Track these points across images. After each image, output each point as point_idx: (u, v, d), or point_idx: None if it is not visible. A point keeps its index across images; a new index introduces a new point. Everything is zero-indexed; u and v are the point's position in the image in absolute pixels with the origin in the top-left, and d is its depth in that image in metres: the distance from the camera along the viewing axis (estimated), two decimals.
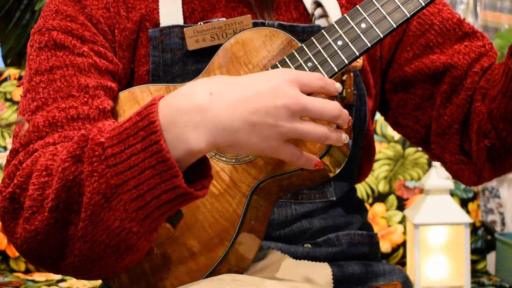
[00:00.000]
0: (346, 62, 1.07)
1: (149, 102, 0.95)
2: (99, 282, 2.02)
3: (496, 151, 1.19)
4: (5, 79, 2.31)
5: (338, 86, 1.00)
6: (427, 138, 1.29)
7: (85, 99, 1.11)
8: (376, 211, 2.23)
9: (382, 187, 2.25)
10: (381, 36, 1.08)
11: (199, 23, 1.18)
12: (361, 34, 1.08)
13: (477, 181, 1.26)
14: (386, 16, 1.08)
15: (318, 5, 1.24)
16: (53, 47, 1.14)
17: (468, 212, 2.24)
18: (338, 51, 1.08)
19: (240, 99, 0.93)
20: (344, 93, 1.15)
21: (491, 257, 2.38)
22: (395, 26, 1.08)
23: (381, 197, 2.25)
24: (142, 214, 0.95)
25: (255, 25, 1.18)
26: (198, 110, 0.92)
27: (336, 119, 0.97)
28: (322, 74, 1.07)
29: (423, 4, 1.08)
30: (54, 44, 1.14)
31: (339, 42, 1.08)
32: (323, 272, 1.18)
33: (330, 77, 1.07)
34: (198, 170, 0.98)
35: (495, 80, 1.16)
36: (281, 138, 0.95)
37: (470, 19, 2.56)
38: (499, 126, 1.16)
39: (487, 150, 1.19)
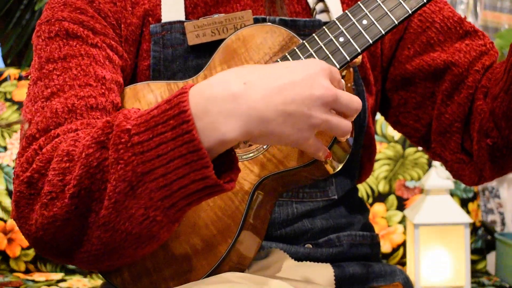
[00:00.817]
0: (348, 58, 1.07)
1: (179, 90, 0.93)
2: (99, 282, 2.02)
3: (498, 150, 1.18)
4: (5, 79, 2.31)
5: (343, 83, 1.00)
6: (427, 137, 1.29)
7: (103, 91, 1.10)
8: (376, 211, 2.23)
9: (382, 187, 2.25)
10: (383, 32, 1.08)
11: (199, 19, 1.18)
12: (362, 31, 1.08)
13: (478, 180, 1.26)
14: (388, 12, 1.08)
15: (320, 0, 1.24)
16: (65, 37, 1.13)
17: (468, 212, 2.24)
18: (339, 47, 1.08)
19: (275, 88, 0.92)
20: (344, 88, 1.15)
21: (491, 257, 2.38)
22: (396, 22, 1.08)
23: (381, 197, 2.25)
24: (167, 203, 0.93)
25: (256, 20, 1.18)
26: (232, 99, 0.91)
27: (356, 114, 0.97)
28: None
29: (425, 1, 1.08)
30: (66, 33, 1.13)
31: (341, 39, 1.08)
32: (325, 273, 1.18)
33: None
34: (225, 162, 0.97)
35: (497, 79, 1.16)
36: (314, 129, 0.94)
37: (470, 19, 2.55)
38: (501, 125, 1.15)
39: (488, 149, 1.19)
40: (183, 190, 0.92)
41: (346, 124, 0.96)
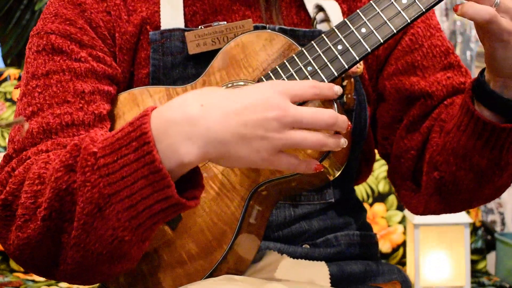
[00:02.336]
0: (346, 67, 1.07)
1: (141, 112, 0.95)
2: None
3: (445, 185, 1.18)
4: (5, 79, 2.31)
5: (337, 89, 1.00)
6: (388, 157, 1.30)
7: (80, 105, 1.11)
8: (376, 211, 2.24)
9: (382, 187, 2.25)
10: (381, 41, 1.07)
11: (200, 27, 1.18)
12: (361, 39, 1.07)
13: (423, 211, 1.25)
14: (387, 21, 1.07)
15: (320, 9, 1.23)
16: (50, 51, 1.14)
17: (468, 212, 2.24)
18: (338, 55, 1.07)
19: (231, 111, 0.93)
20: (344, 98, 1.15)
21: (491, 257, 2.39)
22: (395, 31, 1.07)
23: (381, 197, 2.25)
24: (135, 223, 0.95)
25: (256, 29, 1.18)
26: (189, 122, 0.93)
27: (332, 127, 0.97)
28: (322, 78, 1.07)
29: (423, 9, 1.08)
30: (52, 48, 1.14)
31: (339, 47, 1.08)
32: (320, 271, 1.18)
33: (330, 82, 1.06)
34: (190, 179, 0.98)
35: (453, 114, 1.16)
36: (273, 149, 0.95)
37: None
38: (450, 160, 1.16)
39: (436, 183, 1.19)
40: (148, 210, 0.94)
41: (313, 138, 0.95)
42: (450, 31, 2.64)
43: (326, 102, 1.03)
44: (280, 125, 0.94)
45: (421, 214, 1.27)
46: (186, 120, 0.93)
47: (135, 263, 1.03)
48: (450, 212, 1.24)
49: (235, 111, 0.93)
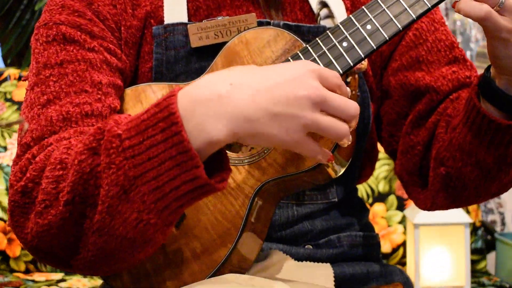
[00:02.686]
0: (351, 64, 1.07)
1: (168, 93, 0.94)
2: (99, 282, 2.02)
3: (451, 180, 1.18)
4: (5, 79, 2.31)
5: (348, 90, 1.00)
6: (395, 153, 1.30)
7: (99, 96, 1.10)
8: (376, 211, 2.24)
9: (382, 187, 2.25)
10: (387, 38, 1.07)
11: (203, 21, 1.18)
12: (367, 36, 1.07)
13: (430, 206, 1.25)
14: (393, 18, 1.07)
15: (324, 5, 1.23)
16: (62, 41, 1.13)
17: (468, 212, 2.24)
18: (343, 52, 1.07)
19: (261, 89, 0.92)
20: (349, 94, 1.15)
21: (491, 257, 2.39)
22: (401, 28, 1.07)
23: (381, 197, 2.25)
24: (160, 206, 0.93)
25: (259, 24, 1.17)
26: (218, 100, 0.92)
27: (353, 119, 0.96)
28: None
29: (429, 6, 1.08)
30: (63, 38, 1.13)
31: (344, 44, 1.07)
32: (325, 273, 1.18)
33: None
34: (216, 162, 0.96)
35: (459, 110, 1.16)
36: (303, 130, 0.94)
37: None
38: (456, 156, 1.15)
39: (442, 178, 1.19)
40: (175, 192, 0.93)
41: (340, 127, 0.95)
42: (450, 30, 2.65)
43: None
44: (311, 104, 0.93)
45: (429, 210, 1.26)
46: (215, 98, 0.92)
47: (156, 249, 1.02)
48: (458, 206, 1.24)
49: (266, 88, 0.93)
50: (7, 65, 2.55)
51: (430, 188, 1.22)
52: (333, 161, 1.01)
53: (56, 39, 1.13)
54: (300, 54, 1.08)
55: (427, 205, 1.25)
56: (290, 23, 1.20)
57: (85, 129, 1.06)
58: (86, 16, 1.14)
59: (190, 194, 0.93)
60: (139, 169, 0.92)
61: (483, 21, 1.02)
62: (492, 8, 1.02)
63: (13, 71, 2.33)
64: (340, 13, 1.22)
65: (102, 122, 1.05)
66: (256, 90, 0.92)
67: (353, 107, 0.96)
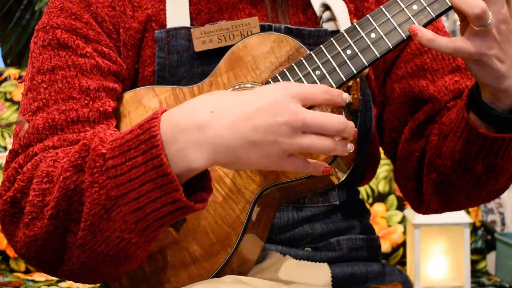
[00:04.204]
0: (355, 72, 1.07)
1: (151, 115, 0.95)
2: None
3: (443, 186, 1.20)
4: (5, 79, 2.31)
5: (345, 96, 0.99)
6: (395, 158, 1.30)
7: (86, 102, 1.11)
8: (376, 211, 2.24)
9: (382, 187, 2.25)
10: (391, 47, 1.07)
11: (206, 25, 1.17)
12: (370, 45, 1.07)
13: (425, 210, 1.27)
14: (397, 27, 1.07)
15: (326, 8, 1.23)
16: (56, 46, 1.14)
17: (468, 212, 2.24)
18: (347, 60, 1.07)
19: (241, 116, 0.93)
20: (350, 99, 1.15)
21: (491, 257, 2.39)
22: (405, 37, 1.07)
23: (381, 197, 2.25)
24: (141, 226, 0.95)
25: (262, 27, 1.17)
26: (198, 128, 0.93)
27: (341, 133, 0.96)
28: (330, 83, 1.07)
29: (434, 16, 1.08)
30: (57, 43, 1.14)
31: (348, 52, 1.07)
32: (322, 273, 1.18)
33: (338, 87, 1.06)
34: (199, 182, 0.98)
35: (451, 119, 1.17)
36: (283, 154, 0.94)
37: None
38: (447, 163, 1.17)
39: (435, 183, 1.21)
40: (156, 213, 0.94)
41: (323, 143, 0.95)
42: (450, 31, 2.64)
43: (334, 108, 1.03)
44: (290, 130, 0.93)
45: (423, 213, 1.29)
46: (195, 126, 0.93)
47: (139, 264, 1.03)
48: (451, 210, 1.26)
49: (245, 116, 0.93)
50: (7, 65, 2.55)
51: (424, 193, 1.24)
52: (331, 172, 1.01)
53: (51, 43, 1.14)
54: (304, 60, 1.08)
55: (422, 209, 1.28)
56: (291, 26, 1.19)
57: (69, 137, 1.08)
58: (83, 19, 1.15)
59: (171, 215, 0.95)
60: (121, 189, 0.94)
61: (452, 54, 1.06)
62: (477, 27, 1.04)
63: (13, 71, 2.33)
64: (343, 16, 1.22)
65: (89, 128, 1.09)
66: (236, 117, 0.93)
67: (335, 121, 0.95)
